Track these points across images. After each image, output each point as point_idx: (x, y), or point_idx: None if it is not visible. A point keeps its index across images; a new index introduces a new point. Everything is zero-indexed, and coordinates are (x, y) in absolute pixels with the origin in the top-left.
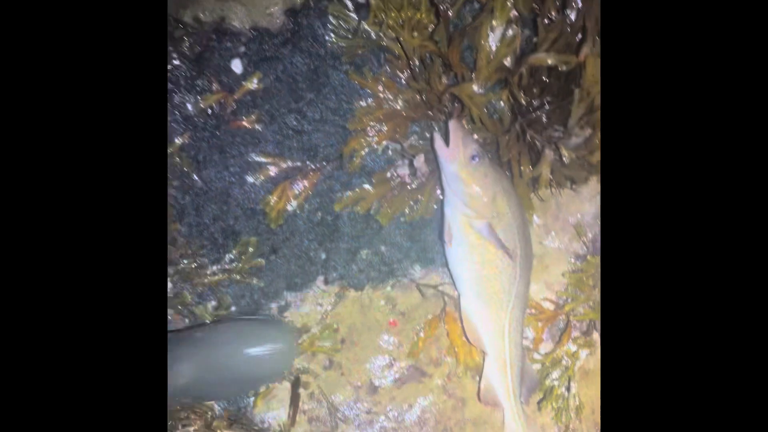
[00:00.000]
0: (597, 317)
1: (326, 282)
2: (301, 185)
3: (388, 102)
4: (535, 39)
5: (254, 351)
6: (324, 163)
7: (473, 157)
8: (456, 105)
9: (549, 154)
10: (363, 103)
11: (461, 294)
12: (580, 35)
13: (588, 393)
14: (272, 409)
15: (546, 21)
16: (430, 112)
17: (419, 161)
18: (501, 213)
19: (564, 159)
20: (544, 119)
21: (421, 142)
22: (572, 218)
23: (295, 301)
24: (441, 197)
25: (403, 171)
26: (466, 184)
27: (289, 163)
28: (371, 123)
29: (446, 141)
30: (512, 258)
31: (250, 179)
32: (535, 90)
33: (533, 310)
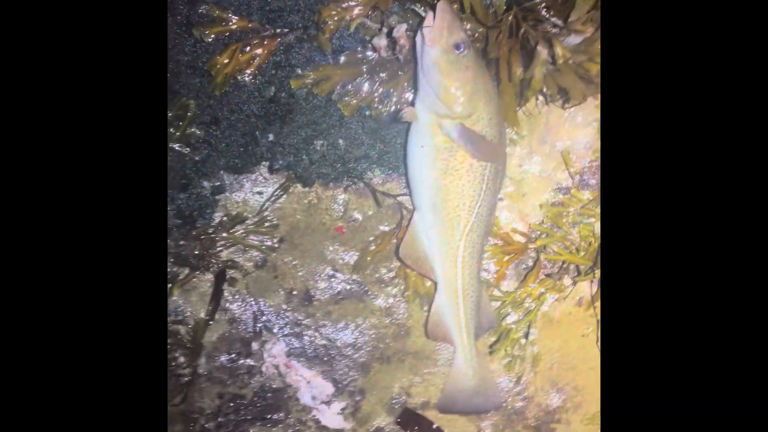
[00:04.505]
0: (572, 259)
1: (271, 170)
2: (255, 51)
3: None
4: None
5: None
6: (286, 29)
7: (457, 46)
8: None
9: (542, 51)
10: None
11: (416, 207)
12: None
13: (548, 344)
14: (190, 302)
15: None
16: None
17: (400, 31)
18: (476, 116)
19: (558, 61)
20: (543, 11)
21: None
22: (561, 144)
23: (232, 185)
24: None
25: (381, 42)
26: (444, 75)
27: (246, 23)
28: None
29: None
30: (482, 166)
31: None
32: None
33: (500, 241)
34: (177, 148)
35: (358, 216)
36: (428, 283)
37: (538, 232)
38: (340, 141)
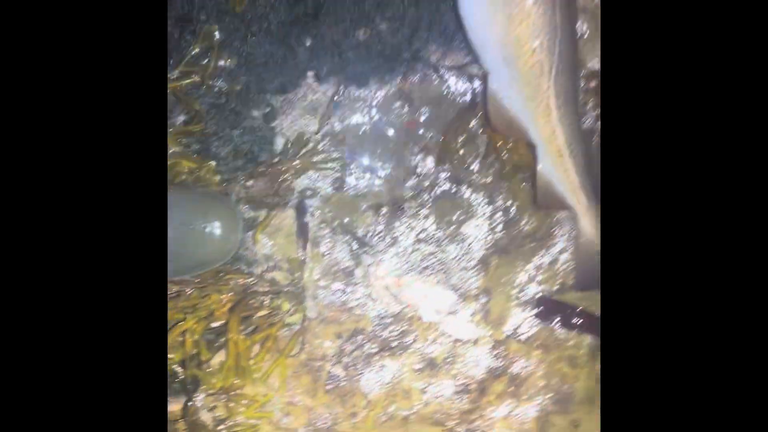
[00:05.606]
0: None
1: (318, 78)
2: None
3: None
4: None
5: (198, 227)
6: None
7: None
8: None
9: None
10: None
11: (489, 71)
12: None
13: None
14: (278, 245)
15: None
16: None
17: None
18: None
19: None
20: None
21: None
22: None
23: (283, 106)
24: None
25: None
26: None
27: None
28: None
29: None
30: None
31: None
32: None
33: (592, 83)
34: (213, 83)
35: (424, 104)
36: (522, 152)
37: None
38: (383, 25)
